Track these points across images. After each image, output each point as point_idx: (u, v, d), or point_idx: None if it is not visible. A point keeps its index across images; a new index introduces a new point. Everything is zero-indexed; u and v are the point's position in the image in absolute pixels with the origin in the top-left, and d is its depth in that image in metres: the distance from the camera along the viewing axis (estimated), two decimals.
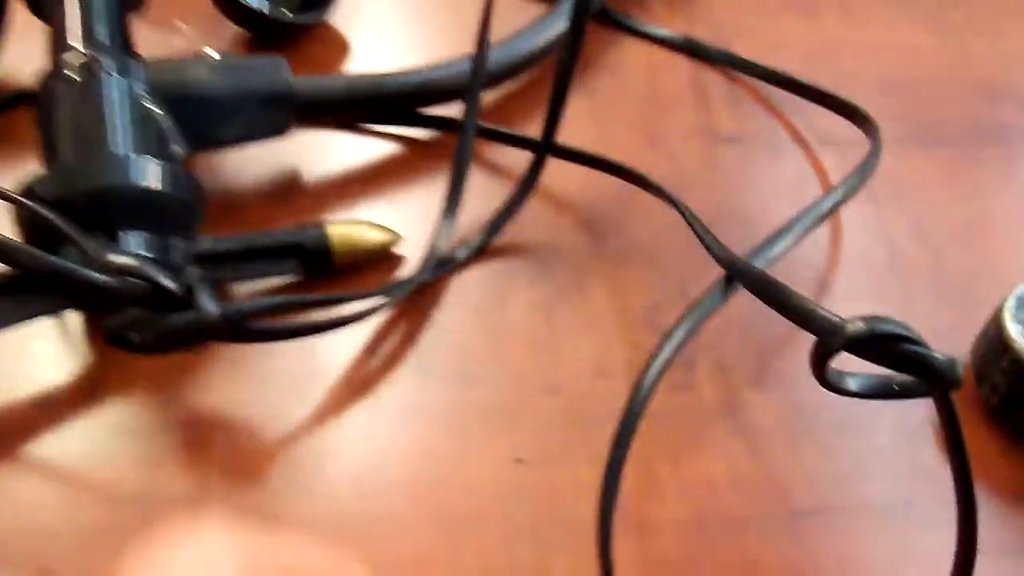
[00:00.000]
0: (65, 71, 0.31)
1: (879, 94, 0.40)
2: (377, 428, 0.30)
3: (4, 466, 0.28)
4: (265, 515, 0.28)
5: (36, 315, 0.29)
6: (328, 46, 0.42)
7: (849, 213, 0.36)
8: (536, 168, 0.35)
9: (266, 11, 0.40)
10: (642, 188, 0.34)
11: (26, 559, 0.26)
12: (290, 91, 0.34)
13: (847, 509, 0.29)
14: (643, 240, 0.35)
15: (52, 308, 0.30)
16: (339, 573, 0.19)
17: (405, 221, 0.34)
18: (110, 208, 0.29)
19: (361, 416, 0.30)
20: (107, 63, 0.31)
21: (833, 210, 0.32)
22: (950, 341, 0.32)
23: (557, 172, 0.36)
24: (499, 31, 0.36)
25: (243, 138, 0.35)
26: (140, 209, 0.30)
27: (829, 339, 0.22)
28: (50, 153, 0.31)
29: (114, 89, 0.31)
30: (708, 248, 0.29)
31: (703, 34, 0.43)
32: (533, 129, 0.36)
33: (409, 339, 0.32)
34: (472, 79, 0.34)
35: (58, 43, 0.33)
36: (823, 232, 0.36)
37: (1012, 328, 0.30)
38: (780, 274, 0.32)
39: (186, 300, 0.27)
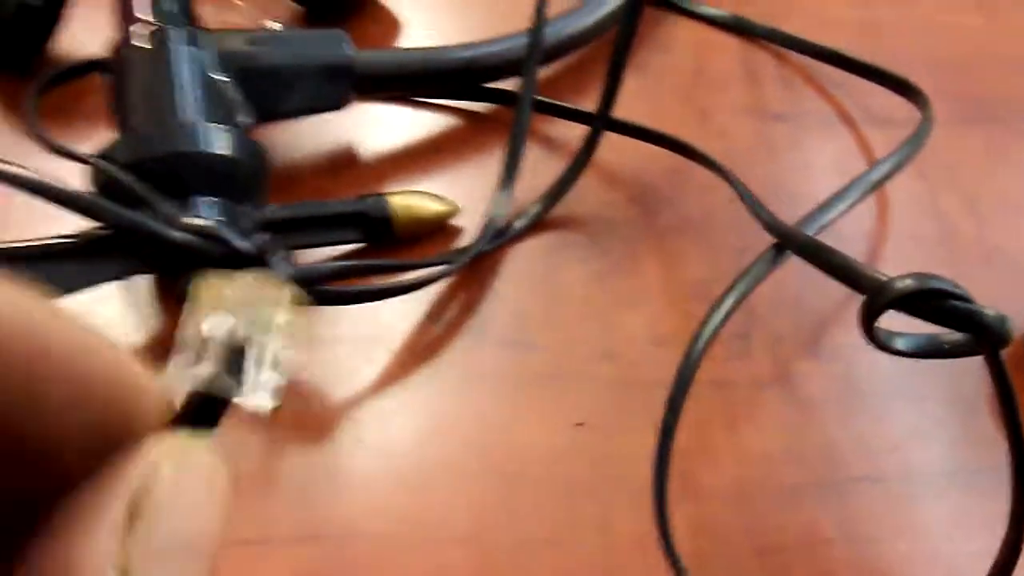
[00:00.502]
0: (135, 41, 0.32)
1: (928, 72, 0.40)
2: (438, 391, 0.31)
3: None
4: (335, 472, 0.28)
5: (109, 278, 0.30)
6: (381, 23, 0.42)
7: (898, 188, 0.36)
8: (592, 141, 0.35)
9: None
10: (694, 161, 0.35)
11: None
12: (351, 63, 0.35)
13: (902, 477, 0.29)
14: (694, 215, 0.36)
15: (123, 272, 0.31)
16: None
17: (462, 193, 0.35)
18: (182, 173, 0.30)
19: (423, 379, 0.31)
20: (176, 33, 0.32)
21: (884, 180, 0.33)
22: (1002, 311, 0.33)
23: (611, 147, 0.36)
24: (556, 6, 0.37)
25: (304, 110, 0.35)
26: (210, 175, 0.30)
27: (877, 296, 0.22)
28: (123, 119, 0.32)
29: (183, 58, 0.32)
30: (757, 216, 0.29)
31: (752, 14, 0.43)
32: (587, 104, 0.37)
33: (468, 306, 0.33)
34: (529, 53, 0.34)
35: (127, 14, 0.33)
36: (871, 207, 0.36)
37: None
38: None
39: (258, 261, 0.28)
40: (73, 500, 0.12)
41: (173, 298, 0.32)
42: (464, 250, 0.33)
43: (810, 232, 0.30)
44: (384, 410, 0.30)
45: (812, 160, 0.38)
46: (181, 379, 0.15)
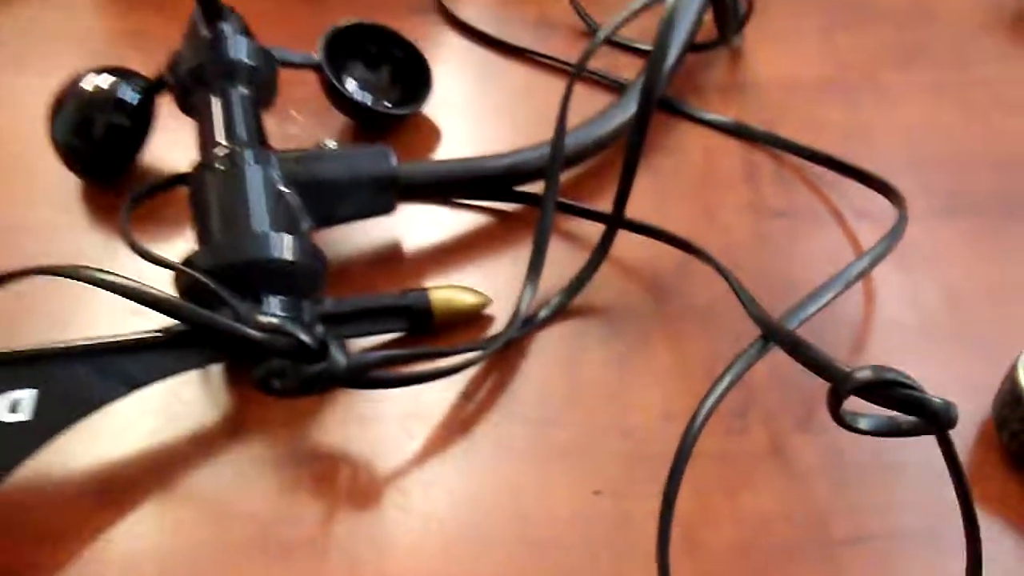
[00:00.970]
0: (214, 163, 0.37)
1: (910, 169, 0.44)
2: (472, 463, 0.35)
3: (167, 493, 0.34)
4: (381, 537, 0.33)
5: (189, 367, 0.35)
6: (423, 133, 0.48)
7: (882, 279, 0.41)
8: (608, 239, 0.40)
9: (370, 103, 0.47)
10: (695, 255, 0.39)
11: (193, 563, 0.32)
12: (396, 176, 0.40)
13: (883, 537, 0.33)
14: (699, 303, 0.40)
15: (203, 361, 0.36)
16: None
17: (493, 286, 0.40)
18: (254, 276, 0.35)
19: (459, 452, 0.35)
20: (247, 154, 0.37)
21: (861, 275, 0.37)
22: (978, 394, 0.37)
23: (625, 243, 0.41)
24: (575, 118, 0.42)
25: (356, 215, 0.41)
26: (278, 276, 0.35)
27: (841, 384, 0.26)
28: (202, 230, 0.37)
29: (254, 176, 0.37)
30: (747, 310, 0.34)
31: (753, 119, 0.48)
32: (604, 204, 0.42)
33: (499, 387, 0.37)
34: (551, 161, 0.39)
35: (206, 139, 0.39)
36: (859, 296, 0.40)
37: None
38: (819, 333, 0.37)
39: (319, 352, 0.33)
40: None
41: (244, 384, 0.37)
42: (495, 337, 0.37)
43: (796, 321, 0.35)
44: (424, 480, 0.35)
45: (805, 252, 0.42)
46: None
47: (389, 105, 0.47)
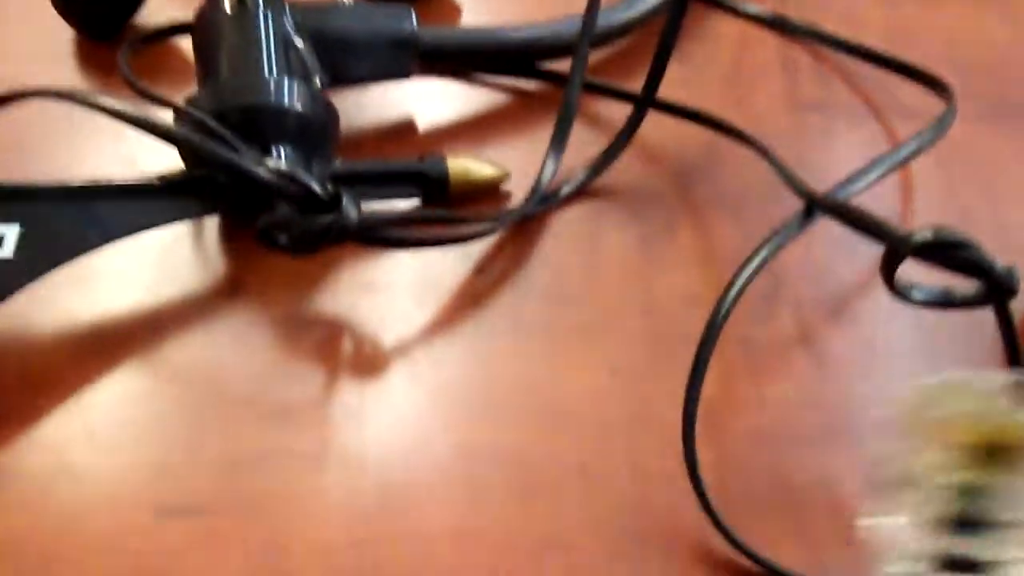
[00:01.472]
0: (222, 4, 0.35)
1: (953, 74, 0.42)
2: (484, 337, 0.33)
3: (158, 348, 0.32)
4: (388, 404, 0.31)
5: (183, 217, 0.33)
6: (441, 5, 0.45)
7: (921, 178, 0.39)
8: (637, 117, 0.38)
9: None
10: (730, 137, 0.37)
11: (181, 429, 0.30)
12: (415, 36, 0.38)
13: None
14: (729, 190, 0.38)
15: (201, 211, 0.34)
16: None
17: (512, 164, 0.38)
18: (262, 124, 0.33)
19: (470, 326, 0.33)
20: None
21: (908, 159, 0.35)
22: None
23: (653, 127, 0.39)
24: None
25: (371, 77, 0.38)
26: (287, 128, 0.33)
27: (899, 245, 0.25)
28: (207, 74, 0.35)
29: (265, 20, 0.35)
30: (788, 181, 0.32)
31: (790, 12, 0.46)
32: (632, 87, 0.39)
33: (514, 263, 0.35)
34: (582, 33, 0.37)
35: None
36: (895, 195, 0.38)
37: None
38: None
39: (331, 204, 0.31)
40: None
41: (243, 244, 0.35)
42: (514, 210, 0.35)
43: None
44: (434, 351, 0.33)
45: (841, 146, 0.40)
46: None
47: None
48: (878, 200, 0.37)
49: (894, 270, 0.25)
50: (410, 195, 0.36)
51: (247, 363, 0.32)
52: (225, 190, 0.32)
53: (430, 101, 0.41)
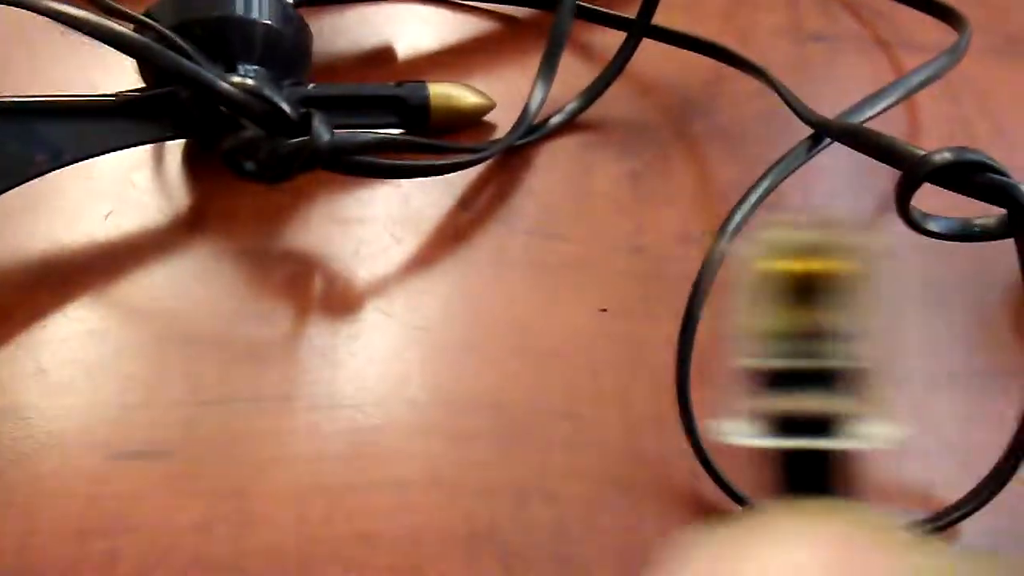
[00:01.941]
0: None
1: (964, 5, 0.40)
2: (467, 273, 0.31)
3: (115, 281, 0.30)
4: (361, 341, 0.29)
5: (143, 140, 0.31)
6: None
7: (931, 110, 0.37)
8: (631, 45, 0.35)
9: None
10: (731, 65, 0.35)
11: (138, 370, 0.28)
12: None
13: (920, 375, 0.30)
14: (728, 123, 0.36)
15: (157, 134, 0.31)
16: None
17: (498, 94, 0.35)
18: (227, 39, 0.30)
19: (451, 262, 0.31)
20: None
21: (919, 88, 0.33)
22: None
23: (647, 57, 0.36)
24: None
25: None
26: (254, 44, 0.31)
27: (916, 168, 0.22)
28: None
29: None
30: (793, 109, 0.30)
31: None
32: (627, 12, 0.37)
33: (500, 197, 0.33)
34: None
35: None
36: (903, 126, 0.36)
37: None
38: None
39: (300, 125, 0.28)
40: None
41: (207, 172, 0.33)
42: (500, 140, 0.33)
43: None
44: (411, 287, 0.31)
45: (846, 77, 0.38)
46: (761, 409, 0.12)
47: None
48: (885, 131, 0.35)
49: (910, 196, 0.23)
50: (388, 124, 0.34)
51: (211, 300, 0.30)
52: (187, 110, 0.29)
53: (412, 26, 0.38)
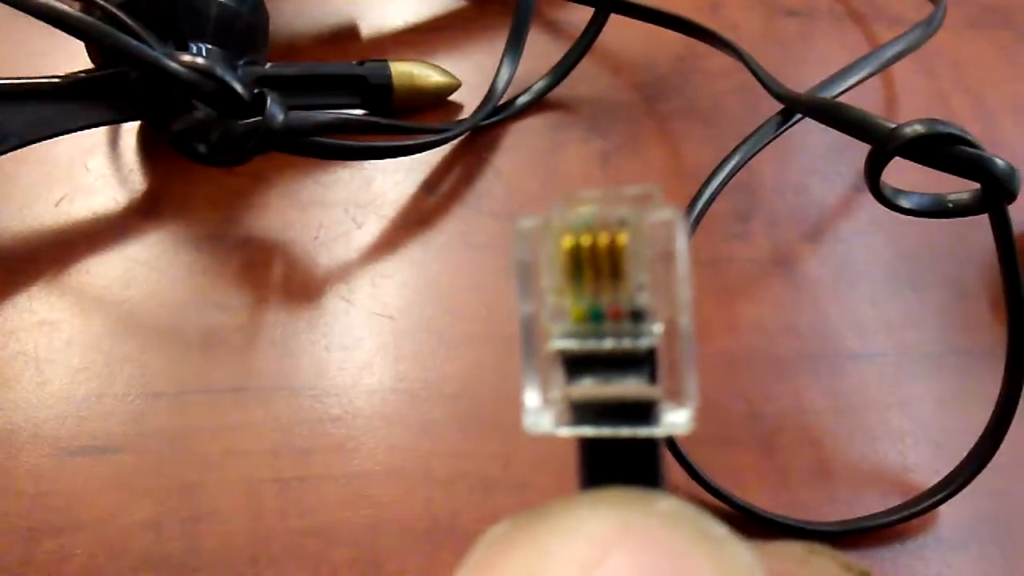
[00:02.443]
0: None
1: None
2: (431, 258, 0.30)
3: (66, 270, 0.29)
4: (320, 328, 0.28)
5: (92, 123, 0.29)
6: None
7: (908, 84, 0.36)
8: (599, 21, 0.34)
9: None
10: (702, 40, 0.34)
11: (89, 360, 0.27)
12: None
13: (894, 356, 0.29)
14: (700, 101, 0.35)
15: (107, 117, 0.30)
16: None
17: (463, 73, 0.34)
18: (178, 17, 0.29)
19: (415, 246, 0.30)
20: None
21: (893, 60, 0.32)
22: None
23: (617, 33, 0.36)
24: None
25: None
26: (207, 22, 0.29)
27: (885, 142, 0.21)
28: None
29: None
30: (764, 84, 0.29)
31: None
32: None
33: (465, 180, 0.32)
34: None
35: None
36: (879, 101, 0.35)
37: None
38: None
39: (253, 105, 0.27)
40: None
41: (162, 156, 0.31)
42: (465, 120, 0.32)
43: None
44: (374, 274, 0.30)
45: (821, 51, 0.37)
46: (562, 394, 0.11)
47: None
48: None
49: (880, 171, 0.22)
50: (349, 104, 0.33)
51: (166, 288, 0.29)
52: (137, 90, 0.28)
53: (376, 3, 0.37)
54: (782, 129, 0.28)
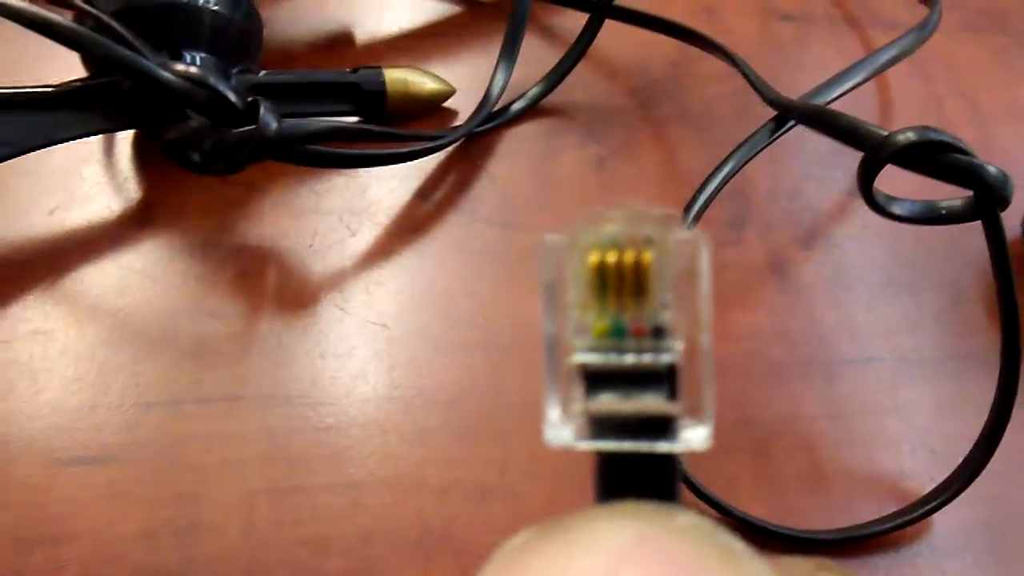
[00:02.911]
0: None
1: None
2: (425, 265, 0.30)
3: (61, 279, 0.29)
4: (315, 337, 0.28)
5: (86, 132, 0.29)
6: None
7: (903, 88, 0.36)
8: (594, 26, 0.34)
9: None
10: (696, 46, 0.34)
11: (83, 370, 0.27)
12: None
13: (890, 361, 0.29)
14: (695, 107, 0.35)
15: (101, 126, 0.30)
16: None
17: (458, 80, 0.34)
18: (172, 25, 0.29)
19: (410, 254, 0.30)
20: None
21: (887, 65, 0.32)
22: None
23: (612, 38, 0.36)
24: None
25: None
26: (200, 31, 0.29)
27: (878, 150, 0.21)
28: None
29: None
30: (757, 90, 0.29)
31: None
32: None
33: (460, 186, 0.32)
34: None
35: None
36: (874, 106, 0.35)
37: None
38: None
39: (247, 114, 0.27)
40: None
41: (156, 165, 0.31)
42: (459, 126, 0.32)
43: None
44: (369, 281, 0.30)
45: (817, 56, 0.37)
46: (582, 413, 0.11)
47: None
48: (854, 113, 0.34)
49: (872, 178, 0.22)
50: (343, 112, 0.33)
51: (160, 297, 0.29)
52: (130, 100, 0.28)
53: (370, 10, 0.37)
54: (776, 135, 0.28)
